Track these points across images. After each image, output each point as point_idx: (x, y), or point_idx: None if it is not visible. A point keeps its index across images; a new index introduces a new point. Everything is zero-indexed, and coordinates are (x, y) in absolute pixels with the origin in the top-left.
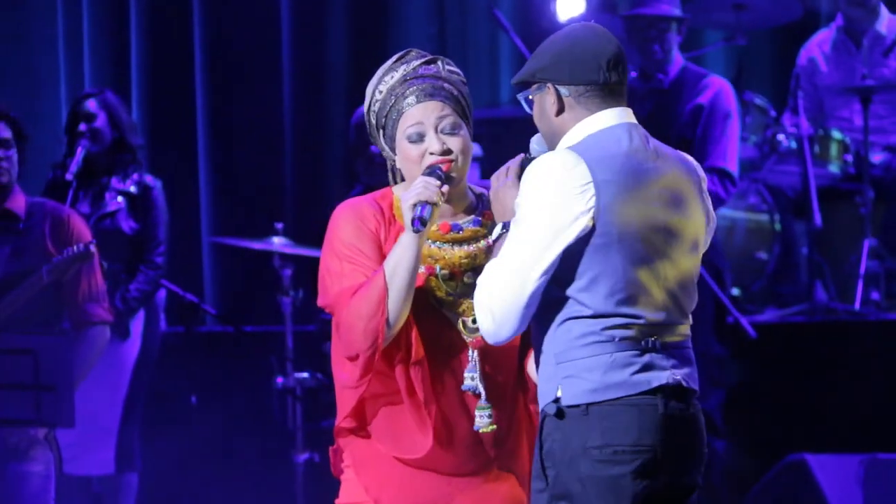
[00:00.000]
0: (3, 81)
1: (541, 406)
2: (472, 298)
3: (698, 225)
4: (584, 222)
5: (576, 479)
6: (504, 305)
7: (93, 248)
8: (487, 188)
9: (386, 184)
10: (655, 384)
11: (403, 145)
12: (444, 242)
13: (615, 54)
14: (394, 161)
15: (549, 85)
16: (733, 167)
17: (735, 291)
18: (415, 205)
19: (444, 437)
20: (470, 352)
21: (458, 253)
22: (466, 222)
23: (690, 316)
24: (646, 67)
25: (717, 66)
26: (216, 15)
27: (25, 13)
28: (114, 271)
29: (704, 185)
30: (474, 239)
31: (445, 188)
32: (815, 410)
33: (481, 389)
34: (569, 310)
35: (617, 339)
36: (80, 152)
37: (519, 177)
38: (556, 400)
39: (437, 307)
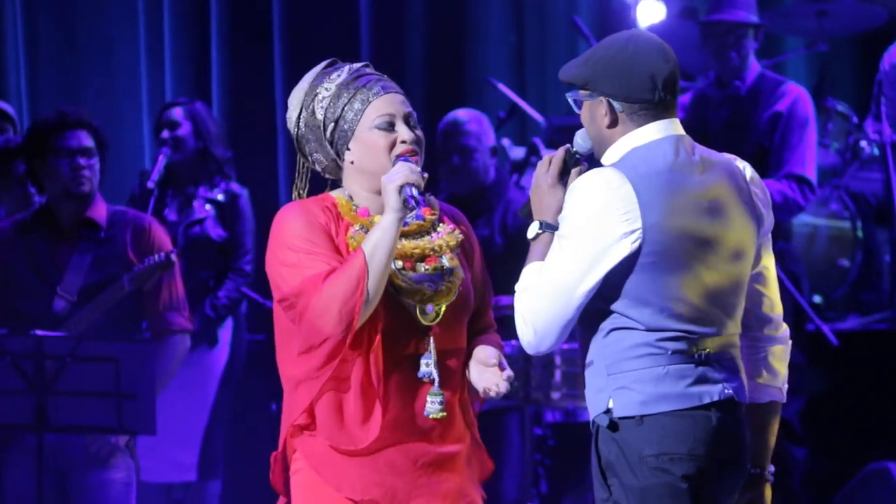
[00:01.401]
0: (84, 91)
1: (592, 416)
2: (427, 286)
3: (742, 233)
4: (628, 243)
5: (636, 488)
6: (547, 320)
7: (174, 257)
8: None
9: (466, 193)
10: (707, 400)
11: (371, 135)
12: None
13: (671, 73)
14: (333, 163)
15: (604, 99)
16: (812, 174)
17: (816, 299)
18: (401, 186)
19: (395, 424)
20: (426, 339)
21: (407, 245)
22: (410, 217)
23: (739, 323)
24: (722, 74)
25: (799, 72)
26: (297, 25)
27: (107, 23)
28: (202, 279)
29: (755, 189)
30: (419, 233)
31: (426, 175)
32: None
33: (435, 376)
34: (617, 321)
35: (670, 352)
36: (161, 160)
37: (561, 172)
38: (608, 411)
39: (395, 295)
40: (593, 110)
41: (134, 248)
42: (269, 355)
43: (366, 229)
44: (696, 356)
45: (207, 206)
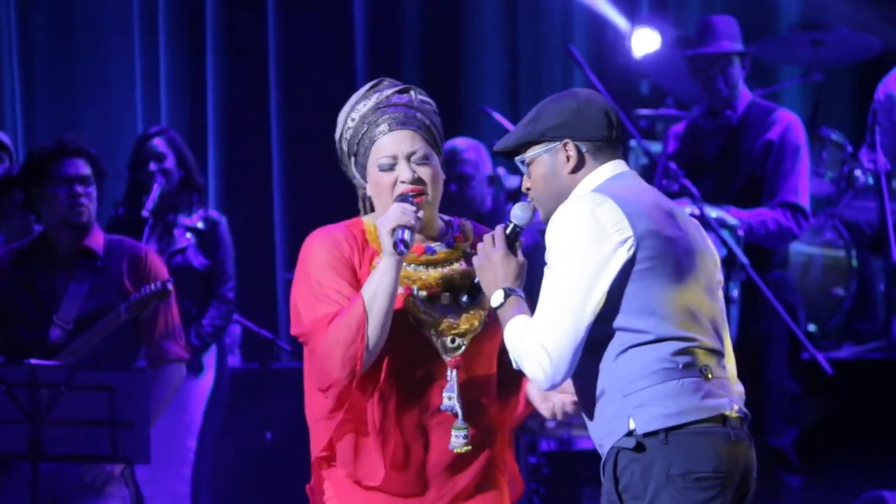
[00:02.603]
0: (80, 120)
1: (609, 444)
2: (450, 318)
3: (715, 262)
4: (624, 252)
5: None
6: (560, 349)
7: (170, 286)
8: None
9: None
10: (723, 410)
11: (375, 173)
12: (419, 265)
13: (617, 112)
14: (364, 189)
15: (568, 141)
16: (805, 201)
17: (811, 327)
18: (393, 229)
19: (412, 459)
20: (448, 371)
21: (433, 274)
22: (439, 245)
23: (732, 357)
24: (713, 104)
25: (794, 101)
26: (292, 54)
27: (102, 52)
28: (185, 307)
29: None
30: (447, 261)
31: (421, 213)
32: (893, 448)
33: (458, 409)
34: (625, 341)
35: (680, 366)
36: (156, 189)
37: (508, 245)
38: (630, 433)
39: (417, 328)
40: (552, 162)
41: (130, 276)
42: (262, 384)
43: None
44: (702, 371)
45: (188, 235)
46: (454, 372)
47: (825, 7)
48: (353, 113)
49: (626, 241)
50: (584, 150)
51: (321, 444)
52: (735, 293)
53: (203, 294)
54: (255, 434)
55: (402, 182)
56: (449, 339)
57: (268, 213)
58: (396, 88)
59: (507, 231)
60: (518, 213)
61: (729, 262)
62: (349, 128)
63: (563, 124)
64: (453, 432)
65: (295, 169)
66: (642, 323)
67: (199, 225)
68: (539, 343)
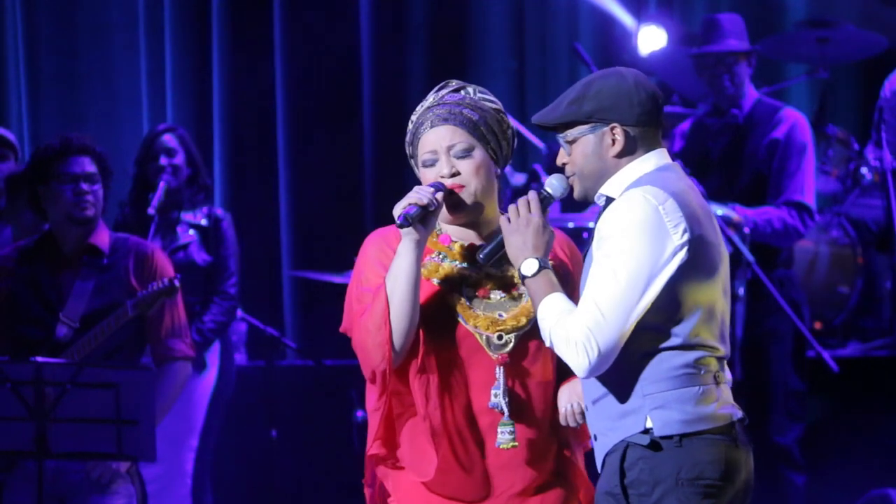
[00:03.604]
0: (85, 118)
1: (616, 437)
2: (497, 314)
3: (728, 264)
4: (681, 255)
5: None
6: (610, 341)
7: (176, 283)
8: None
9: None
10: (733, 419)
11: (421, 172)
12: (469, 262)
13: (662, 97)
14: None
15: (616, 126)
16: (811, 200)
17: (817, 325)
18: (404, 207)
19: (465, 458)
20: (496, 369)
21: (483, 272)
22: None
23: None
24: (719, 103)
25: (800, 99)
26: (298, 52)
27: (108, 50)
28: (188, 304)
29: None
30: (501, 261)
31: (440, 194)
32: None
33: (504, 407)
34: (654, 341)
35: (702, 373)
36: (162, 186)
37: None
38: (647, 431)
39: (464, 325)
40: (597, 142)
41: (136, 274)
42: (268, 382)
43: (443, 256)
44: (715, 376)
45: (191, 231)
46: (501, 369)
47: (831, 4)
48: (413, 116)
49: (684, 244)
50: (631, 134)
51: (371, 435)
52: (741, 291)
53: (206, 290)
54: (260, 432)
55: (442, 177)
56: (496, 335)
57: (274, 210)
58: (453, 87)
59: (541, 198)
60: (555, 184)
61: (735, 261)
62: (409, 131)
63: (612, 107)
64: (499, 428)
65: (301, 166)
66: (674, 326)
67: (203, 221)
68: (588, 331)
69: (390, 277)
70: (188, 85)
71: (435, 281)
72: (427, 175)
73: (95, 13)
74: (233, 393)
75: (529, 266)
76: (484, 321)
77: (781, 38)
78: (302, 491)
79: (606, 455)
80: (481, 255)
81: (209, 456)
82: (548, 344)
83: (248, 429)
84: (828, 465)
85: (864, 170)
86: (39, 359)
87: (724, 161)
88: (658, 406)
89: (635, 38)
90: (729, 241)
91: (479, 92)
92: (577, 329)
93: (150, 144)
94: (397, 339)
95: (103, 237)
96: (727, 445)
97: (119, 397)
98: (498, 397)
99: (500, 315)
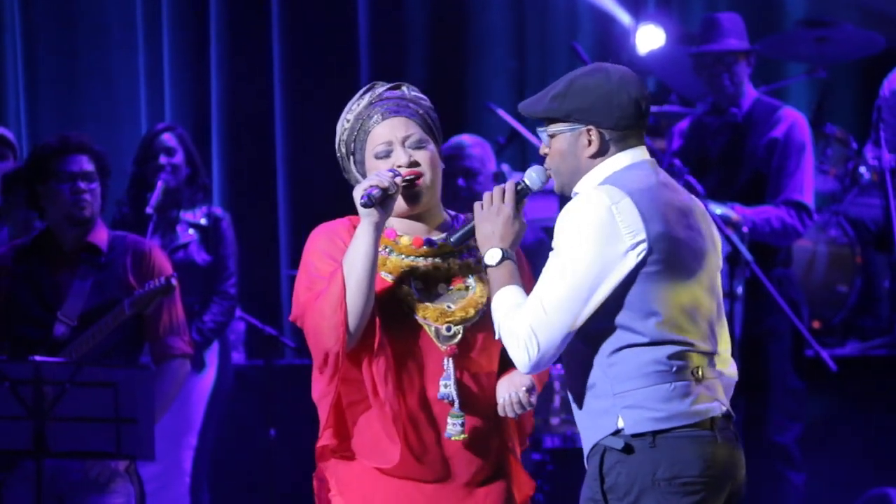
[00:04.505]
0: (83, 117)
1: (595, 438)
2: (445, 306)
3: (718, 258)
4: (634, 255)
5: None
6: (551, 340)
7: (174, 282)
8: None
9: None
10: (711, 415)
11: (372, 163)
12: (419, 256)
13: (648, 98)
14: None
15: (592, 128)
16: (809, 200)
17: (815, 324)
18: (365, 189)
19: (418, 446)
20: (444, 360)
21: (431, 265)
22: (440, 238)
23: (728, 352)
24: (718, 102)
25: (799, 98)
26: (296, 52)
27: (106, 50)
28: (188, 303)
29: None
30: (448, 254)
31: (398, 178)
32: None
33: (454, 397)
34: (623, 339)
35: (674, 370)
36: (160, 186)
37: (516, 204)
38: (617, 432)
39: (412, 317)
40: (572, 142)
41: (134, 272)
42: (267, 381)
43: (390, 250)
44: (693, 373)
45: (190, 231)
46: (450, 360)
47: (830, 4)
48: (348, 115)
49: (638, 244)
50: (607, 137)
51: (322, 425)
52: (739, 290)
53: (205, 290)
54: (259, 431)
55: (399, 166)
56: (444, 327)
57: (272, 209)
58: (388, 86)
59: (518, 189)
60: (533, 176)
61: (733, 260)
62: (345, 129)
63: (590, 109)
64: (449, 420)
65: (299, 165)
66: (642, 324)
67: (202, 221)
68: (530, 328)
69: (347, 260)
70: (187, 84)
71: (383, 274)
72: (381, 167)
73: (94, 12)
74: (230, 391)
75: (492, 256)
76: (433, 312)
77: (780, 37)
78: (300, 490)
79: (588, 458)
80: (452, 239)
81: (207, 455)
82: (497, 336)
83: (247, 428)
84: (826, 464)
85: (862, 169)
86: (38, 358)
87: (723, 160)
88: (628, 405)
89: (634, 38)
90: (727, 240)
91: (413, 90)
92: (520, 324)
93: (149, 143)
94: (352, 320)
95: (101, 235)
96: (707, 442)
97: (118, 396)
98: (448, 388)
99: (449, 307)
